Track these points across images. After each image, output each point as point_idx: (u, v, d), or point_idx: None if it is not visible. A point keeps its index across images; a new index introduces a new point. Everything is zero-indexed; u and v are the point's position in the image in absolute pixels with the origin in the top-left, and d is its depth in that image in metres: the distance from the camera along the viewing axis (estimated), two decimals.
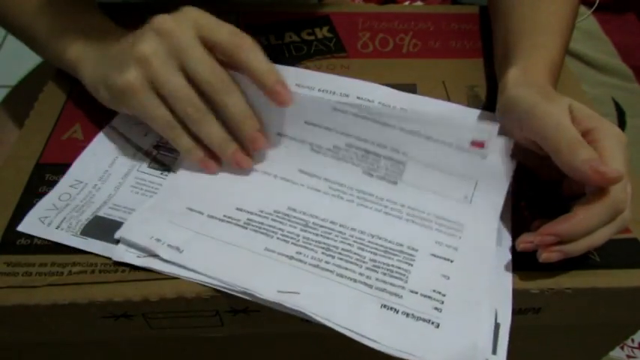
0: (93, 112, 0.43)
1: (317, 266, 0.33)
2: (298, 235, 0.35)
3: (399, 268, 0.33)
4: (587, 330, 0.40)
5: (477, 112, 0.44)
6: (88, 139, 0.41)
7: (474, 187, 0.37)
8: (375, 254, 0.34)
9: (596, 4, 0.64)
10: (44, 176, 0.38)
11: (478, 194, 0.36)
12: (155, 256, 0.33)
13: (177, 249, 0.33)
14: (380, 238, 0.35)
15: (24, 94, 0.55)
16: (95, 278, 0.33)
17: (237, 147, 0.38)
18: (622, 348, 0.74)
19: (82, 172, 0.39)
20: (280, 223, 0.35)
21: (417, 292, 0.32)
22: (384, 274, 0.33)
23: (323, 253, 0.34)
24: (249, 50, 0.35)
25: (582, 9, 0.64)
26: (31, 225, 0.35)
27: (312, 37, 0.52)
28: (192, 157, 0.38)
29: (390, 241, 0.35)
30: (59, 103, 0.44)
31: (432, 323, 0.30)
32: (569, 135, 0.32)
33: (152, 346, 0.39)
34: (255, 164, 0.39)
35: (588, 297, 0.34)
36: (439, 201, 0.37)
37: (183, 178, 0.38)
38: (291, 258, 0.33)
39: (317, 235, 0.35)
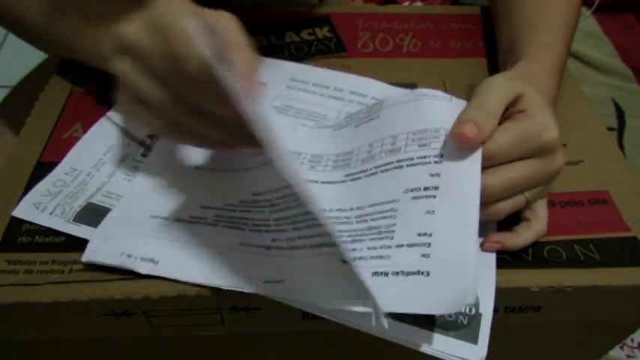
0: (94, 112, 0.43)
1: (293, 247, 0.32)
2: (268, 220, 0.34)
3: (385, 226, 0.32)
4: (587, 328, 0.40)
5: None
6: None
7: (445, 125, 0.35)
8: (352, 220, 0.33)
9: (595, 5, 0.64)
10: (45, 175, 0.38)
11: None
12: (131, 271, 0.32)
13: (152, 260, 0.33)
14: (355, 209, 0.34)
15: (23, 95, 0.55)
16: (96, 276, 0.33)
17: None
18: (622, 348, 0.74)
19: (77, 159, 0.39)
20: (248, 212, 0.35)
21: (403, 245, 0.31)
22: (373, 239, 0.31)
23: (294, 229, 0.32)
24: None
25: (582, 9, 0.65)
26: (25, 210, 0.36)
27: (313, 37, 0.52)
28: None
29: (373, 204, 0.33)
30: (60, 102, 0.44)
31: (422, 273, 0.29)
32: (475, 101, 0.33)
33: (153, 344, 0.39)
34: (213, 164, 0.38)
35: (588, 295, 0.34)
36: (412, 137, 0.35)
37: (140, 187, 0.37)
38: (269, 247, 0.33)
39: (287, 208, 0.33)
